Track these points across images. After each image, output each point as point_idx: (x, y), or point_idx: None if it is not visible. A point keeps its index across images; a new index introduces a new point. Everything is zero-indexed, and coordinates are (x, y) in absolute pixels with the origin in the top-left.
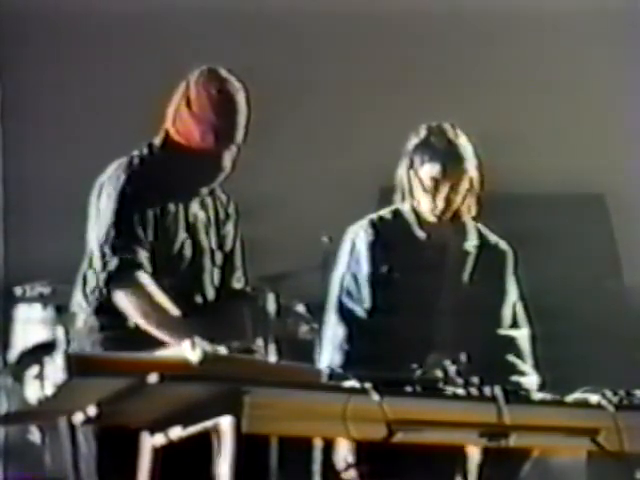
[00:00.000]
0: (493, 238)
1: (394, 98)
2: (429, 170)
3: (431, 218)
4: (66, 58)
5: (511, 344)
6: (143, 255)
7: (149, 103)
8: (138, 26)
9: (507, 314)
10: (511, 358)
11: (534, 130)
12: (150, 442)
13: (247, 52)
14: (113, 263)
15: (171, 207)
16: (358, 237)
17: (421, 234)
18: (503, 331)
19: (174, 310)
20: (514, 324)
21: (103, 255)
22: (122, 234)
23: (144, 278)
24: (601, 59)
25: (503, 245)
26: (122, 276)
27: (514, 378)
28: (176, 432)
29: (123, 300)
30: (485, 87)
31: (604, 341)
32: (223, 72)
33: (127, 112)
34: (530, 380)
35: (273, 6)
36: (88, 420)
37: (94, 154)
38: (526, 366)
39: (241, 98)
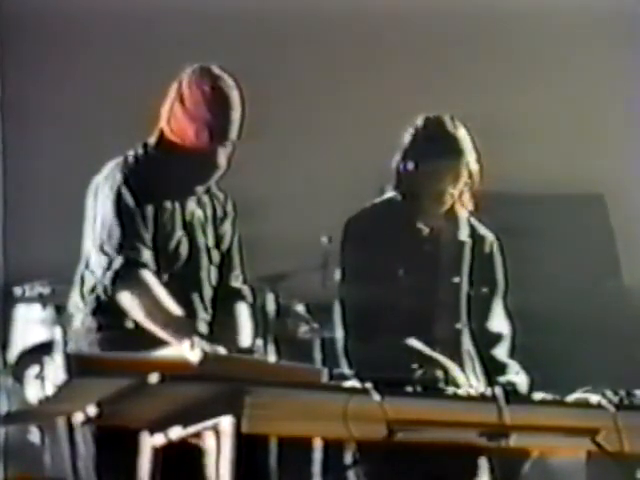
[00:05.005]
0: (482, 230)
1: (395, 97)
2: (428, 162)
3: (427, 210)
4: (66, 58)
5: (500, 340)
6: (147, 253)
7: (148, 103)
8: (137, 26)
9: (498, 307)
10: (500, 355)
11: (533, 130)
12: (150, 442)
13: (245, 51)
14: (118, 262)
15: (167, 205)
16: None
17: (418, 226)
18: (494, 326)
19: (177, 309)
20: (501, 318)
21: (106, 254)
22: (125, 233)
23: (148, 277)
24: (601, 59)
25: (491, 237)
26: (127, 275)
27: (505, 377)
28: (176, 432)
29: (127, 299)
30: (484, 87)
31: (604, 341)
32: (216, 69)
33: (127, 112)
34: (521, 379)
35: (270, 5)
36: (88, 420)
37: (94, 154)
38: (515, 365)
39: (235, 95)
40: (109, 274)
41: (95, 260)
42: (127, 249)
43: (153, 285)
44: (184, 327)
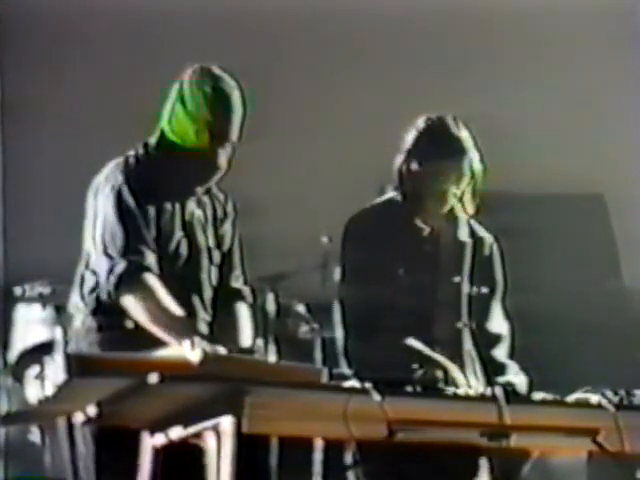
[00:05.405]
0: (481, 232)
1: (394, 97)
2: (431, 162)
3: (428, 210)
4: (66, 58)
5: (500, 340)
6: (150, 257)
7: (148, 103)
8: (136, 26)
9: (498, 308)
10: (499, 355)
11: (533, 130)
12: (151, 442)
13: (245, 52)
14: (121, 266)
15: (167, 206)
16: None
17: (418, 226)
18: (493, 327)
19: (180, 312)
20: (501, 319)
21: (110, 257)
22: (128, 236)
23: (152, 280)
24: (601, 59)
25: (490, 238)
26: (131, 279)
27: (504, 378)
28: (176, 432)
29: (131, 303)
30: (484, 87)
31: (604, 341)
32: (216, 70)
33: (127, 112)
34: (520, 380)
35: (270, 5)
36: (88, 420)
37: (93, 154)
38: (514, 365)
39: (235, 96)
40: (112, 278)
41: (98, 263)
42: (130, 253)
43: (156, 289)
44: (187, 329)
